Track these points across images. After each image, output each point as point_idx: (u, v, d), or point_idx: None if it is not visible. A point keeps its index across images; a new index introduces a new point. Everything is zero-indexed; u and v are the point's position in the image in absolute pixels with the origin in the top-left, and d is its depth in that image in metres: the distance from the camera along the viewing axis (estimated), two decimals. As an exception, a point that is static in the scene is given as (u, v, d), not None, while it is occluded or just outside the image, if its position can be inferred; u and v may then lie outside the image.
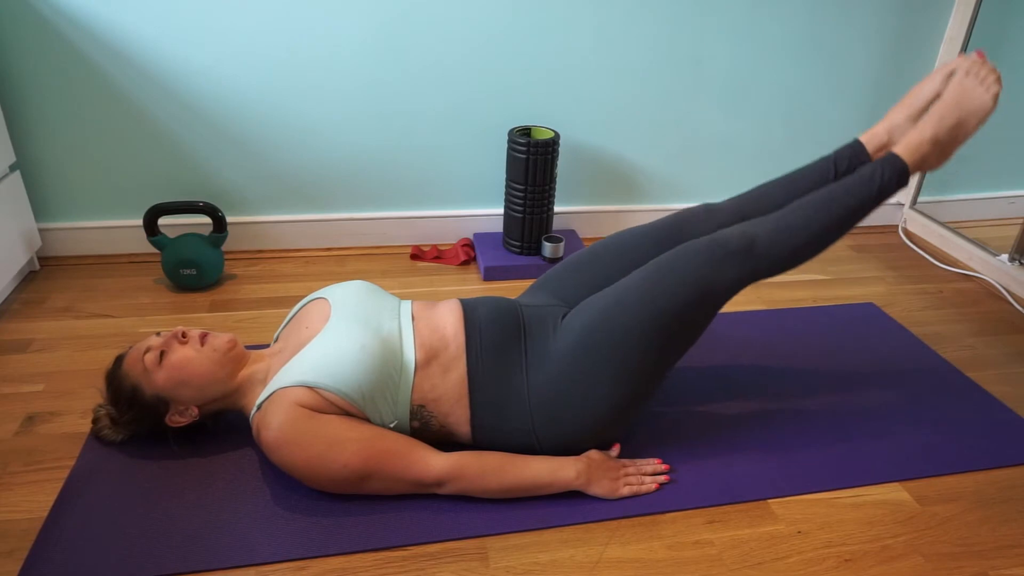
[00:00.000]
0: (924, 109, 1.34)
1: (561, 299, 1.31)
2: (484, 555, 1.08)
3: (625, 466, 1.22)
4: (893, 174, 1.24)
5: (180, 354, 1.15)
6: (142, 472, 1.19)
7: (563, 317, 1.25)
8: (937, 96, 1.32)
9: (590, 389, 1.16)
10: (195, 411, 1.18)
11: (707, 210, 1.35)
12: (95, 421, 1.24)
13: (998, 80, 1.25)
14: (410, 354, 1.17)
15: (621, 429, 1.22)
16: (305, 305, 1.30)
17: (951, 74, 1.30)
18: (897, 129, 1.35)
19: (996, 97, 1.24)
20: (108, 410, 1.21)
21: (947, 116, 1.27)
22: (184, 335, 1.18)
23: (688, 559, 1.10)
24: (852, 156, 1.35)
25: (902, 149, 1.27)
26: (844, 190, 1.24)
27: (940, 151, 1.29)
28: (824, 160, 1.36)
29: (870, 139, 1.36)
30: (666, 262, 1.20)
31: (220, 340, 1.19)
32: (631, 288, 1.19)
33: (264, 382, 1.19)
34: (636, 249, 1.32)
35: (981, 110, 1.26)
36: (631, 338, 1.16)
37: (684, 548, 1.11)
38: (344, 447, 1.08)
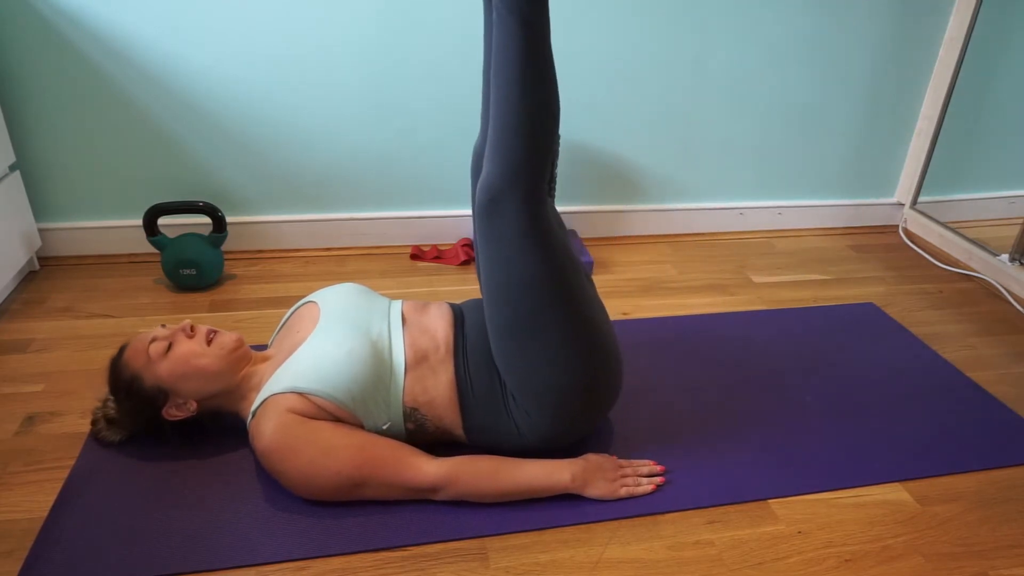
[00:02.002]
0: None
1: None
2: (484, 555, 1.08)
3: (621, 467, 1.22)
4: None
5: (186, 347, 1.15)
6: (142, 472, 1.19)
7: None
8: None
9: (539, 374, 1.13)
10: (193, 405, 1.17)
11: (478, 155, 1.27)
12: (93, 423, 1.24)
13: None
14: (400, 356, 1.17)
15: (605, 402, 1.19)
16: (297, 310, 1.30)
17: None
18: None
19: None
20: (106, 411, 1.21)
21: None
22: (192, 329, 1.18)
23: (688, 559, 1.10)
24: None
25: None
26: (498, 48, 1.05)
27: None
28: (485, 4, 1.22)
29: None
30: (480, 253, 1.14)
31: (227, 338, 1.19)
32: (486, 287, 1.14)
33: (259, 388, 1.19)
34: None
35: None
36: (529, 320, 1.11)
37: (684, 548, 1.11)
38: (337, 454, 1.08)
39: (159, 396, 1.16)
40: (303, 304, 1.29)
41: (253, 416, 1.12)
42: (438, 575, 1.05)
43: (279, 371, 1.14)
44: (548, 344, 1.11)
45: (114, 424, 1.21)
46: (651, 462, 1.25)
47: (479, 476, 1.12)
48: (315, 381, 1.10)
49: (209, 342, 1.18)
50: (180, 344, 1.16)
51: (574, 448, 1.24)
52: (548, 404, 1.15)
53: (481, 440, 1.19)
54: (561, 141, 1.99)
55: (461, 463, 1.13)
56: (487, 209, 1.09)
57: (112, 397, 1.20)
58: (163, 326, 1.19)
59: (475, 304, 1.28)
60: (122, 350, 1.19)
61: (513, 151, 1.06)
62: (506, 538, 1.11)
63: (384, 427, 1.15)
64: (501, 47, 1.05)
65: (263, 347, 1.53)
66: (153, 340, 1.15)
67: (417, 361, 1.17)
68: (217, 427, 1.27)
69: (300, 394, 1.09)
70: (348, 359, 1.12)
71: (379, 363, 1.15)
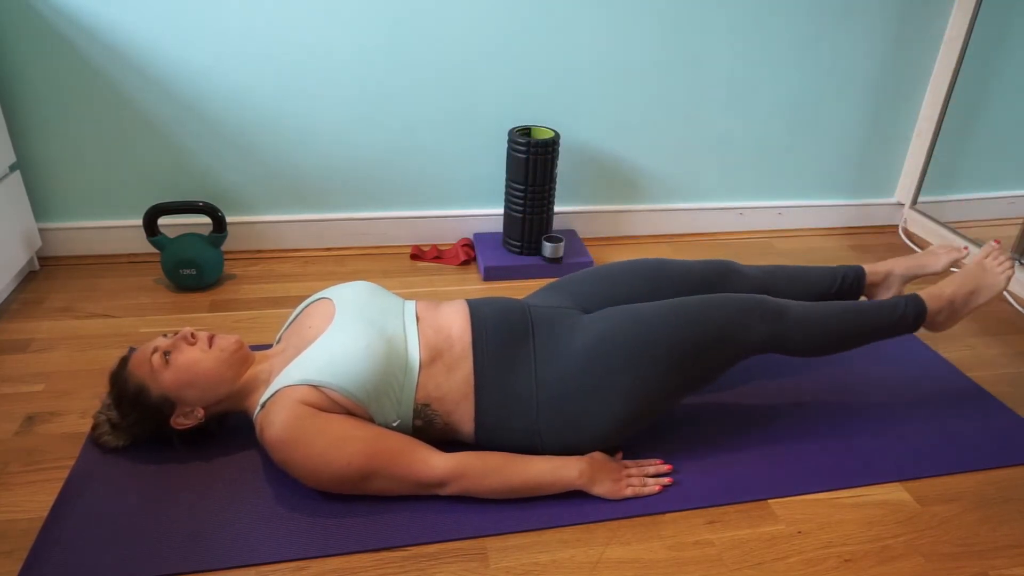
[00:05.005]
0: (917, 277, 1.53)
1: (578, 303, 1.32)
2: (484, 555, 1.08)
3: (627, 467, 1.22)
4: (913, 311, 1.34)
5: (188, 355, 1.15)
6: (142, 472, 1.19)
7: (578, 320, 1.25)
8: (934, 274, 1.52)
9: (600, 397, 1.16)
10: (200, 413, 1.17)
11: (734, 269, 1.43)
12: (95, 427, 1.23)
13: (1012, 266, 1.39)
14: (415, 354, 1.18)
15: (622, 440, 1.23)
16: (309, 305, 1.30)
17: (955, 261, 1.51)
18: (893, 278, 1.52)
19: (1008, 280, 1.38)
20: (109, 415, 1.21)
21: (966, 283, 1.39)
22: (193, 336, 1.18)
23: (688, 559, 1.10)
24: (855, 278, 1.49)
25: (925, 295, 1.36)
26: (869, 307, 1.32)
27: (951, 312, 1.38)
28: (832, 270, 1.49)
29: (872, 273, 1.52)
30: (703, 299, 1.25)
31: (227, 341, 1.19)
32: (664, 312, 1.21)
33: (267, 382, 1.19)
34: (666, 279, 1.37)
35: (994, 287, 1.39)
36: (651, 358, 1.17)
37: (684, 548, 1.11)
38: (347, 445, 1.08)
39: (165, 406, 1.16)
40: (315, 300, 1.29)
41: (262, 407, 1.12)
42: (438, 575, 1.05)
43: (292, 365, 1.14)
44: (649, 381, 1.18)
45: (118, 429, 1.20)
46: (658, 461, 1.25)
47: (487, 471, 1.13)
48: (330, 375, 1.10)
49: (210, 346, 1.18)
50: (182, 352, 1.16)
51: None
52: (581, 429, 1.18)
53: (490, 438, 1.19)
54: (561, 140, 1.99)
55: (469, 458, 1.14)
56: (766, 311, 1.24)
57: (117, 410, 1.19)
58: (164, 335, 1.19)
59: (497, 301, 1.27)
60: (124, 362, 1.19)
61: (814, 329, 1.26)
62: (506, 538, 1.11)
63: (393, 424, 1.16)
64: (880, 309, 1.32)
65: (264, 347, 1.53)
66: (155, 350, 1.15)
67: (432, 359, 1.18)
68: (223, 431, 1.27)
69: (314, 387, 1.10)
70: (365, 354, 1.12)
71: (394, 360, 1.15)
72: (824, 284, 1.47)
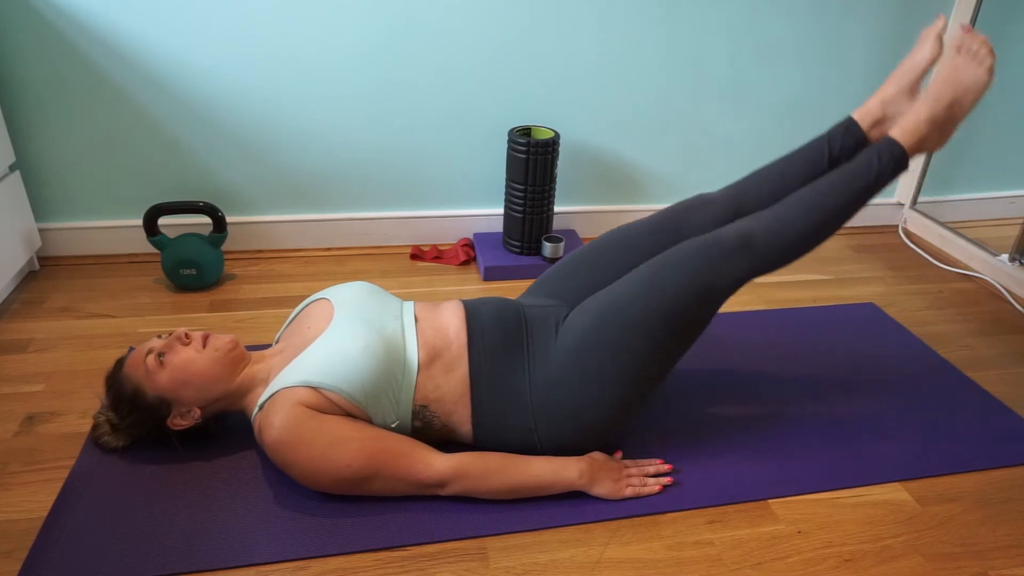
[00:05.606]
0: (919, 80, 1.30)
1: (561, 298, 1.31)
2: (484, 555, 1.08)
3: (627, 467, 1.22)
4: (890, 159, 1.21)
5: (183, 355, 1.15)
6: (142, 472, 1.19)
7: (565, 317, 1.25)
8: (932, 62, 1.28)
9: (593, 388, 1.16)
10: (197, 413, 1.17)
11: (702, 201, 1.34)
12: (95, 428, 1.23)
13: (990, 52, 1.20)
14: (413, 354, 1.18)
15: (622, 429, 1.23)
16: (307, 306, 1.30)
17: (940, 38, 1.27)
18: (891, 102, 1.30)
19: (991, 70, 1.19)
20: (108, 416, 1.21)
21: (943, 95, 1.21)
22: (187, 336, 1.18)
23: (688, 559, 1.10)
24: (846, 134, 1.30)
25: (898, 133, 1.23)
26: (841, 179, 1.21)
27: (939, 131, 1.23)
28: (818, 140, 1.32)
29: (864, 115, 1.31)
30: (665, 261, 1.20)
31: (221, 341, 1.19)
32: (632, 287, 1.19)
33: (266, 382, 1.19)
34: (635, 246, 1.32)
35: (976, 85, 1.21)
36: (634, 337, 1.16)
37: (684, 548, 1.11)
38: (347, 446, 1.08)
39: (161, 407, 1.16)
40: (314, 300, 1.29)
41: (261, 408, 1.12)
42: (438, 575, 1.05)
43: (290, 365, 1.14)
44: (638, 361, 1.17)
45: (117, 430, 1.21)
46: (658, 461, 1.25)
47: (487, 471, 1.13)
48: (328, 376, 1.10)
49: (204, 346, 1.18)
50: (177, 352, 1.16)
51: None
52: (579, 423, 1.18)
53: (488, 438, 1.19)
54: (561, 140, 1.99)
55: (470, 458, 1.14)
56: (730, 250, 1.18)
57: (115, 412, 1.19)
58: (159, 336, 1.19)
59: (493, 301, 1.28)
60: (119, 364, 1.19)
61: (787, 238, 1.19)
62: (506, 538, 1.11)
63: (392, 425, 1.16)
64: (851, 175, 1.21)
65: (264, 347, 1.53)
66: (150, 352, 1.16)
67: (430, 360, 1.18)
68: (220, 430, 1.27)
69: (312, 388, 1.10)
70: (363, 355, 1.12)
71: (392, 361, 1.15)
72: (812, 166, 1.30)
